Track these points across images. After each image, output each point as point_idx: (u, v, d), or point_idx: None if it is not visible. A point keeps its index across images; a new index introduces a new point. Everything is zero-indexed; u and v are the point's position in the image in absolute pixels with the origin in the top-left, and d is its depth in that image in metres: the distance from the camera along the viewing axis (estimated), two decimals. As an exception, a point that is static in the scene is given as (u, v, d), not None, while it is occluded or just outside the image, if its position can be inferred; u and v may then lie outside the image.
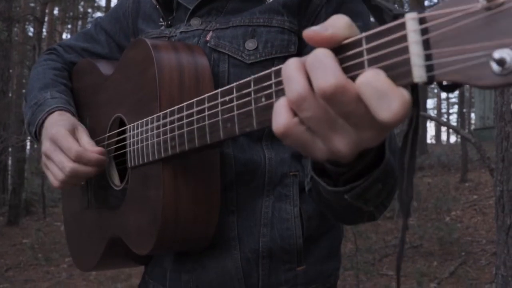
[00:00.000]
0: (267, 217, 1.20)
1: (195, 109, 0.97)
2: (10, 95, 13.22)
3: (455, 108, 43.04)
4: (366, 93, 0.58)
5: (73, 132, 1.32)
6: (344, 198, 0.83)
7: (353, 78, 0.61)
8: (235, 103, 0.84)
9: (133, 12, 1.47)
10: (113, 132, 1.34)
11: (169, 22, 1.35)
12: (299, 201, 1.21)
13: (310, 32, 0.64)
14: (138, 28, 1.44)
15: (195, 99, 0.97)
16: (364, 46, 0.61)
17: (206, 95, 0.93)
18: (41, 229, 11.11)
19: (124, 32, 1.50)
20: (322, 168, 0.84)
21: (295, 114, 0.65)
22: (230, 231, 1.20)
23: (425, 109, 17.35)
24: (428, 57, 0.56)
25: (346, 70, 0.62)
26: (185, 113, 1.01)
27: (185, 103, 1.01)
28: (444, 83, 0.58)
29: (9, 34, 10.99)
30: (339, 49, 0.63)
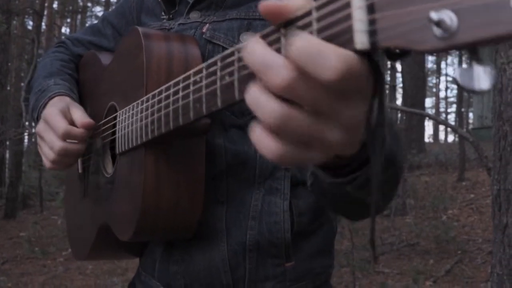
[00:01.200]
0: (256, 210, 1.20)
1: (171, 91, 0.97)
2: (8, 88, 13.21)
3: (453, 108, 43.09)
4: (302, 60, 0.55)
5: (66, 111, 1.33)
6: (346, 190, 0.81)
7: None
8: (204, 82, 0.83)
9: (137, 6, 1.50)
10: (106, 119, 1.36)
11: (171, 16, 1.37)
12: (289, 196, 1.21)
13: (267, 3, 0.61)
14: (141, 22, 1.46)
15: (172, 81, 0.97)
16: (314, 15, 0.59)
17: (181, 76, 0.93)
18: (38, 222, 11.12)
19: (130, 26, 1.51)
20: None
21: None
22: (218, 222, 1.20)
23: (424, 108, 17.36)
24: (371, 23, 0.54)
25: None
26: (163, 95, 1.01)
27: (163, 86, 1.01)
28: (390, 50, 0.55)
29: (8, 27, 10.97)
30: (292, 20, 0.61)
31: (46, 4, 11.20)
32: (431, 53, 0.52)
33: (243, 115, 1.19)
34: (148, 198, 1.12)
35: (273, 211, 1.20)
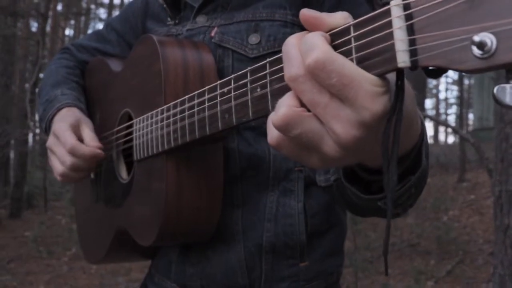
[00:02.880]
0: (272, 212, 1.21)
1: (196, 101, 0.99)
2: (13, 89, 13.21)
3: (453, 109, 43.03)
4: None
5: (76, 127, 1.35)
6: (375, 204, 0.81)
7: None
8: (232, 94, 0.85)
9: (142, 12, 1.50)
10: (121, 126, 1.37)
11: (177, 21, 1.36)
12: (303, 197, 1.22)
13: (306, 12, 0.65)
14: (147, 27, 1.46)
15: (196, 91, 0.99)
16: (352, 34, 0.62)
17: (207, 87, 0.95)
18: (43, 222, 11.11)
19: (134, 31, 1.52)
20: (352, 174, 0.82)
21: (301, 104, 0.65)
22: (234, 225, 1.22)
23: (424, 110, 17.37)
24: (412, 42, 0.57)
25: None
26: (187, 105, 1.02)
27: (187, 96, 1.03)
28: (429, 68, 0.58)
29: (14, 28, 10.99)
30: (330, 36, 0.64)
31: (50, 6, 11.22)
32: (470, 72, 0.54)
33: None
34: (170, 205, 1.13)
35: (288, 213, 1.21)
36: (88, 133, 1.35)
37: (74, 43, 1.69)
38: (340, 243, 1.32)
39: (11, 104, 12.42)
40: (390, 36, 0.58)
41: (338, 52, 0.62)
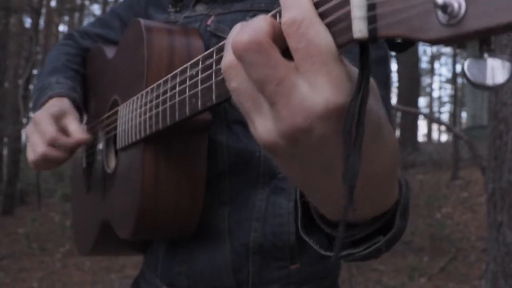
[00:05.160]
0: (260, 211, 1.16)
1: (169, 85, 0.95)
2: (6, 85, 13.17)
3: (446, 107, 43.15)
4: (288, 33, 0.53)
5: (59, 117, 1.31)
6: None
7: None
8: (199, 76, 0.80)
9: None
10: (108, 113, 1.34)
11: (178, 9, 1.35)
12: (295, 195, 1.13)
13: None
14: (148, 14, 1.45)
15: (170, 74, 0.95)
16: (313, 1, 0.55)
17: (178, 69, 0.90)
18: (36, 219, 11.09)
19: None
20: (311, 223, 0.77)
21: None
22: (221, 223, 1.17)
23: (418, 108, 17.42)
24: (371, 8, 0.49)
25: None
26: (161, 89, 0.98)
27: (162, 79, 0.99)
28: (394, 40, 0.49)
29: (6, 24, 10.95)
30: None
31: (44, 2, 11.18)
32: (435, 43, 0.46)
33: None
34: (147, 196, 1.09)
35: (278, 212, 1.15)
36: (74, 125, 1.31)
37: (79, 29, 1.67)
38: None
39: (4, 100, 12.38)
40: (347, 1, 0.50)
41: None
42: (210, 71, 0.76)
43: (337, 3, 0.51)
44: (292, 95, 0.52)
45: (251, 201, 1.16)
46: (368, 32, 0.49)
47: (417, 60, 17.26)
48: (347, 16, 0.50)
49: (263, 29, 0.54)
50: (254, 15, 1.10)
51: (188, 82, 0.85)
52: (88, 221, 1.47)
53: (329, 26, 0.52)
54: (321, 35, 0.52)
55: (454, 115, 19.37)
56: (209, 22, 1.22)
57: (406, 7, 0.46)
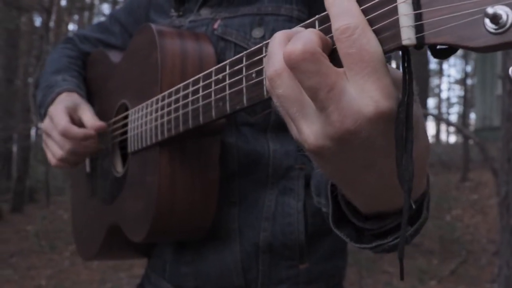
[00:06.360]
0: (270, 211, 1.17)
1: (190, 89, 0.96)
2: (16, 83, 13.24)
3: (455, 108, 42.98)
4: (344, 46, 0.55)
5: (74, 109, 1.32)
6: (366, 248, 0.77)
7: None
8: (227, 81, 0.82)
9: (146, 3, 1.48)
10: (117, 118, 1.34)
11: (180, 13, 1.34)
12: (304, 196, 1.17)
13: None
14: (150, 19, 1.44)
15: (191, 79, 0.96)
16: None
17: (201, 74, 0.91)
18: (46, 217, 11.14)
19: (138, 23, 1.48)
20: (342, 217, 0.78)
21: None
22: (231, 223, 1.18)
23: (426, 109, 17.38)
24: (418, 17, 0.52)
25: None
26: (181, 93, 0.99)
27: (181, 84, 1.00)
28: (437, 47, 0.54)
29: (18, 23, 11.00)
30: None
31: (54, 1, 11.22)
32: (482, 51, 0.48)
33: (255, 113, 1.16)
34: (163, 199, 1.10)
35: (287, 212, 1.17)
36: (88, 115, 1.32)
37: (78, 33, 1.67)
38: (343, 245, 1.26)
39: (14, 98, 12.45)
40: (394, 11, 0.53)
41: None
42: (240, 76, 0.78)
43: (385, 11, 0.54)
44: (342, 99, 0.55)
45: (261, 202, 1.17)
46: (416, 39, 0.52)
47: (426, 61, 17.20)
48: (395, 24, 0.53)
49: (314, 40, 0.57)
50: (261, 19, 1.18)
51: (213, 87, 0.87)
52: (92, 225, 1.46)
53: (376, 33, 0.55)
54: (372, 42, 0.55)
55: (464, 116, 19.29)
56: (215, 26, 1.22)
57: (453, 17, 0.49)
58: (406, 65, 0.57)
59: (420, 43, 0.52)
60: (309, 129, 0.59)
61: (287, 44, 0.58)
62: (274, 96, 0.61)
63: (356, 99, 0.55)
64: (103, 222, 1.38)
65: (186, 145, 1.11)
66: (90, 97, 1.51)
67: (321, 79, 0.56)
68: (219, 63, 1.10)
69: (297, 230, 1.16)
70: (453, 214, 9.80)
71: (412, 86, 0.57)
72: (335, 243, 1.23)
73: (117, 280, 7.35)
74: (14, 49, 11.68)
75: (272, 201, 1.17)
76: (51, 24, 12.20)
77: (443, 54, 0.55)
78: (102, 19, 1.69)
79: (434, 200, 10.22)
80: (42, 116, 1.44)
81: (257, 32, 1.17)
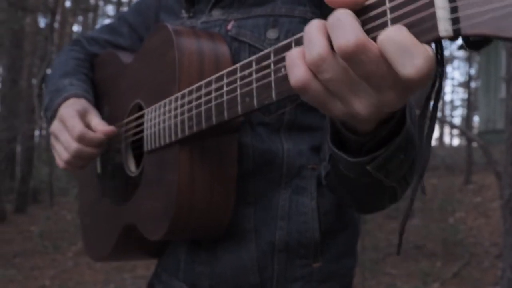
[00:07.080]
0: (285, 210, 1.18)
1: (213, 87, 0.96)
2: (21, 84, 13.27)
3: (458, 111, 42.90)
4: (389, 49, 0.58)
5: (84, 114, 1.33)
6: (365, 170, 0.81)
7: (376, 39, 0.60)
8: (254, 76, 0.82)
9: (155, 4, 1.48)
10: (131, 118, 1.33)
11: (191, 14, 1.34)
12: (316, 195, 1.19)
13: None
14: (160, 20, 1.44)
15: (214, 76, 0.96)
16: (388, 5, 0.59)
17: (225, 70, 0.92)
18: (49, 217, 11.16)
19: (147, 24, 1.50)
20: (341, 142, 0.82)
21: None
22: (247, 223, 1.19)
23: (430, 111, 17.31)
24: (453, 10, 0.53)
25: (369, 31, 0.61)
26: (203, 91, 0.99)
27: (203, 81, 1.00)
28: (471, 39, 0.55)
29: (22, 24, 11.04)
30: (362, 10, 0.62)
31: (59, 2, 11.24)
32: None
33: (270, 113, 1.17)
34: (182, 197, 1.10)
35: (302, 211, 1.17)
36: (97, 120, 1.33)
37: (85, 35, 1.66)
38: (353, 244, 1.27)
39: (18, 99, 12.48)
40: (431, 4, 0.55)
41: (373, 26, 0.62)
42: (268, 70, 0.79)
43: (421, 5, 0.56)
44: (395, 79, 0.60)
45: (275, 201, 1.18)
46: (453, 31, 0.54)
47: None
48: (432, 17, 0.55)
49: (360, 31, 0.60)
50: (275, 21, 1.19)
51: (239, 82, 0.87)
52: (104, 227, 1.46)
53: (413, 25, 0.57)
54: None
55: (467, 119, 19.25)
56: (229, 27, 1.22)
57: (490, 9, 0.50)
58: (439, 54, 0.61)
59: (457, 35, 0.54)
60: (363, 104, 0.64)
61: (335, 34, 0.61)
62: (323, 80, 0.64)
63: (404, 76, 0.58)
64: (116, 222, 1.37)
65: (205, 143, 1.12)
66: (100, 98, 1.51)
67: (373, 67, 0.60)
68: (233, 63, 1.11)
69: (312, 228, 1.17)
70: (456, 217, 9.80)
71: (443, 77, 0.62)
72: (346, 243, 1.24)
73: (121, 280, 7.35)
74: (19, 49, 11.71)
75: (286, 200, 1.18)
76: (56, 25, 12.25)
77: (477, 45, 0.57)
78: (107, 20, 1.69)
79: (438, 203, 10.22)
80: (49, 119, 1.44)
81: (271, 34, 1.17)
